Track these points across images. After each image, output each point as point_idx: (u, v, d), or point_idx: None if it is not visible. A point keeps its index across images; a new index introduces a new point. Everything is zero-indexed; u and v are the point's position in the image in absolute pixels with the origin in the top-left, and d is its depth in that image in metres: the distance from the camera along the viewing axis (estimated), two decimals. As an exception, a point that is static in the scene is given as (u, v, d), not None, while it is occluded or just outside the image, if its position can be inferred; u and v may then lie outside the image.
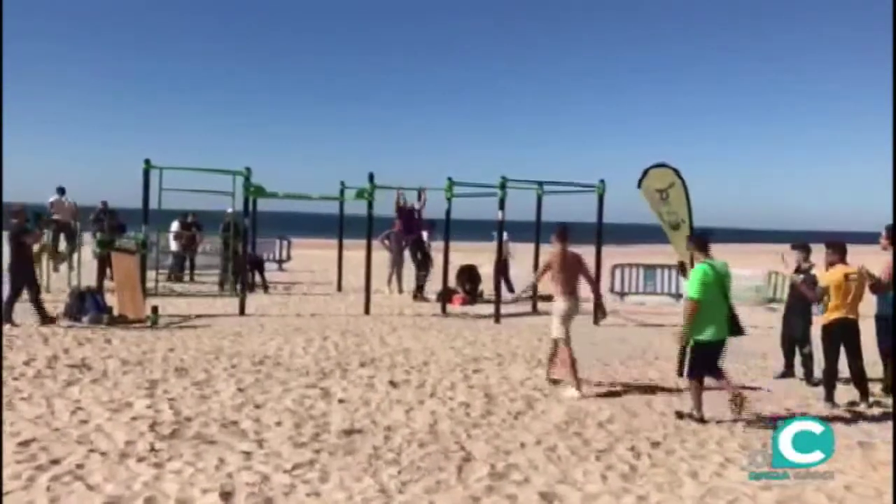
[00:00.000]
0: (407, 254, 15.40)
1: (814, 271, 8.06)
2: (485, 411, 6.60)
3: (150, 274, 12.67)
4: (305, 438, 5.62)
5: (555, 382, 7.68)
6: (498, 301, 12.38)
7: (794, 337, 8.43)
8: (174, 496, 4.43)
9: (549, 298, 14.85)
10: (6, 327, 9.29)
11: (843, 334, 7.16)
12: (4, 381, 6.77)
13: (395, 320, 11.93)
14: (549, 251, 7.82)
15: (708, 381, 6.59)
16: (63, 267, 14.55)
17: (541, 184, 13.89)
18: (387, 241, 15.15)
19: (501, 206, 12.55)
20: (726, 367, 6.77)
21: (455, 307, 13.66)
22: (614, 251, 24.17)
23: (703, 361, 6.48)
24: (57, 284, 13.42)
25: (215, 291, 14.45)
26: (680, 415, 6.55)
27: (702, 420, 6.41)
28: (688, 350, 6.62)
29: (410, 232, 14.82)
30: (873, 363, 7.56)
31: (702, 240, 6.76)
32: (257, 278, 15.08)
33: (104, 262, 12.94)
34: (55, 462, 4.88)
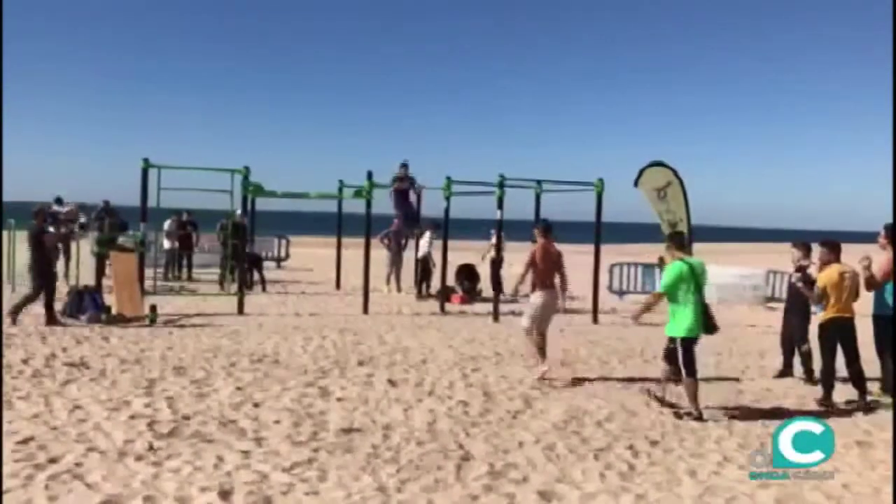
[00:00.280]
0: (406, 254, 15.41)
1: (811, 270, 8.06)
2: (483, 410, 6.60)
3: (149, 272, 12.66)
4: (304, 437, 5.62)
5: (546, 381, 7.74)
6: (497, 300, 12.38)
7: (793, 335, 8.44)
8: (172, 495, 4.42)
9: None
10: (6, 323, 9.29)
11: (838, 333, 7.18)
12: (2, 380, 6.76)
13: (393, 319, 11.93)
14: (533, 245, 8.14)
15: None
16: (59, 265, 14.48)
17: (539, 182, 13.89)
18: (386, 241, 15.16)
19: (500, 204, 12.57)
20: (726, 367, 6.77)
21: (454, 306, 13.68)
22: (613, 250, 24.20)
23: (688, 356, 6.56)
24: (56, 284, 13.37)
25: (213, 290, 14.43)
26: (678, 415, 6.57)
27: (700, 417, 6.43)
28: (678, 349, 6.63)
29: (403, 208, 14.63)
30: (871, 362, 7.57)
31: (680, 238, 7.00)
32: (255, 277, 15.08)
33: (103, 261, 12.93)
34: (53, 461, 4.87)
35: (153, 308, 10.62)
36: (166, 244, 16.68)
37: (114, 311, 10.59)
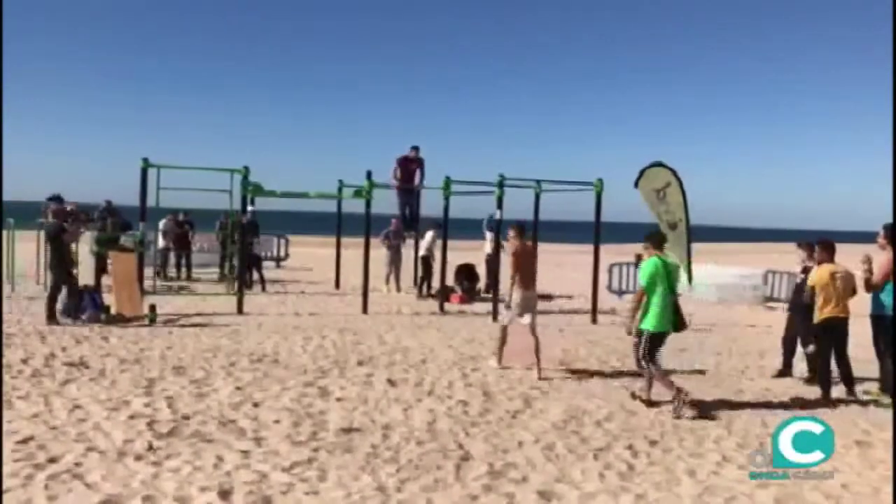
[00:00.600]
0: (406, 253, 15.38)
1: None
2: (483, 410, 6.60)
3: (148, 272, 12.65)
4: (303, 437, 5.62)
5: (543, 379, 7.82)
6: (496, 299, 12.38)
7: (795, 336, 8.44)
8: (172, 494, 4.42)
9: (547, 297, 15.01)
10: (46, 327, 9.33)
11: (831, 332, 7.21)
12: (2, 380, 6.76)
13: (392, 319, 11.93)
14: (511, 244, 8.38)
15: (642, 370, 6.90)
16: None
17: (539, 182, 13.89)
18: (386, 241, 15.15)
19: (500, 204, 12.58)
20: (726, 367, 6.78)
21: (453, 305, 13.67)
22: (612, 249, 24.19)
23: (651, 349, 6.72)
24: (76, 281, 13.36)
25: (212, 290, 14.43)
26: (634, 395, 7.01)
27: (680, 392, 6.56)
28: (641, 341, 6.77)
29: (405, 200, 14.38)
30: (871, 361, 7.57)
31: (659, 238, 7.18)
32: (255, 276, 15.07)
33: (102, 261, 12.92)
34: (53, 460, 4.87)
35: (152, 308, 10.61)
36: (161, 243, 16.66)
37: (113, 310, 10.59)
